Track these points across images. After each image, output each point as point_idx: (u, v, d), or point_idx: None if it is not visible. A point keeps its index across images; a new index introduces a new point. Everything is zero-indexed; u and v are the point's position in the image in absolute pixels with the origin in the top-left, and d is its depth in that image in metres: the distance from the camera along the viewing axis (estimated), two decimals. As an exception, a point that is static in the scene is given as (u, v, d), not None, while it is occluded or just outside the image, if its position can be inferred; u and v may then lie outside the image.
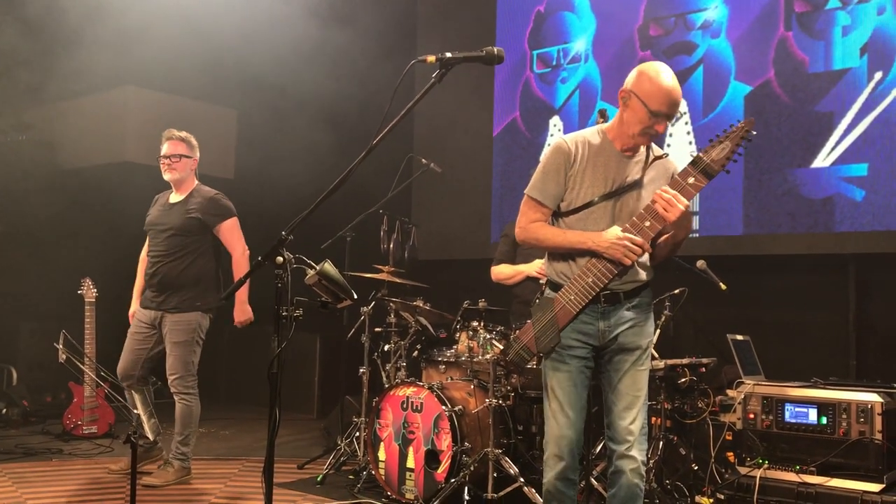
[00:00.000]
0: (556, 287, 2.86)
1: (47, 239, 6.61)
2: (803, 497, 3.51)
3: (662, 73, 2.75)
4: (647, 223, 2.68)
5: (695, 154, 2.71)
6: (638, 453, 2.83)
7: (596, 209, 2.79)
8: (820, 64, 5.09)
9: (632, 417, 2.83)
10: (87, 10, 5.69)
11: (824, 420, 3.61)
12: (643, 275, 2.88)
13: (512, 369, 4.06)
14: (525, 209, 2.91)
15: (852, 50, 4.96)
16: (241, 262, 4.55)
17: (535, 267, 4.62)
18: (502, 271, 4.81)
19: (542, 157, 2.93)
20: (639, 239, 2.69)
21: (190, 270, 4.56)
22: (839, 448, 3.54)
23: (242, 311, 4.57)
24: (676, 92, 2.75)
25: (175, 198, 4.68)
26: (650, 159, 2.86)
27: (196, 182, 4.72)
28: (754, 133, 2.63)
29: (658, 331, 4.30)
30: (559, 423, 2.87)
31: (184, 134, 4.64)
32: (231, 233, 4.60)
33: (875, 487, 3.42)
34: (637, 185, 2.80)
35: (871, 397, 3.55)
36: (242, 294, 4.54)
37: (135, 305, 4.73)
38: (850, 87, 4.94)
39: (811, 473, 3.59)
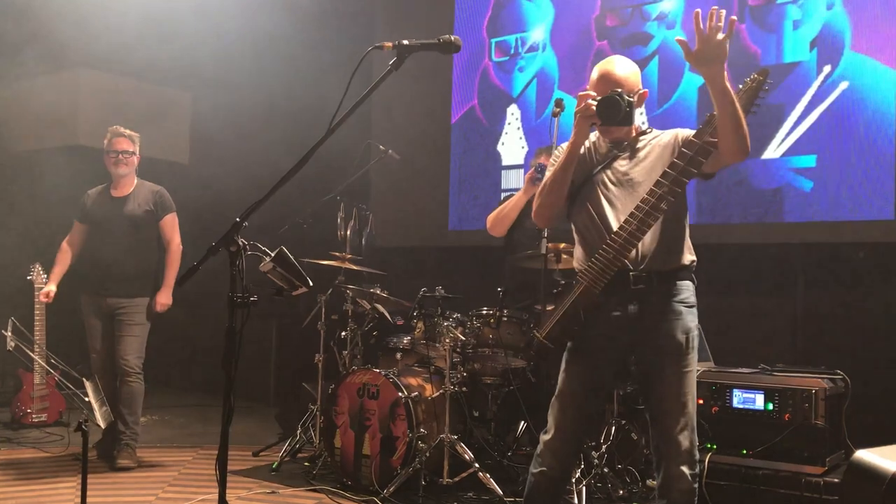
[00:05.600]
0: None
1: (-5, 223, 6.46)
2: (749, 479, 3.61)
3: (600, 62, 2.87)
4: None
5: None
6: (688, 468, 2.65)
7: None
8: (771, 56, 5.18)
9: (678, 428, 2.66)
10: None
11: (770, 406, 3.71)
12: (680, 257, 2.76)
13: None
14: None
15: (802, 43, 5.06)
16: (176, 253, 4.88)
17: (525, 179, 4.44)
18: (494, 213, 4.61)
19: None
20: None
21: (149, 259, 4.87)
22: (784, 432, 3.65)
23: (169, 294, 4.82)
24: (605, 68, 2.82)
25: (119, 192, 4.88)
26: (636, 137, 2.86)
27: (136, 177, 4.95)
28: (770, 82, 2.59)
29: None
30: (559, 418, 2.77)
31: (129, 132, 4.88)
32: (172, 226, 4.93)
33: (817, 469, 3.53)
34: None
35: (815, 383, 3.66)
36: (171, 279, 4.83)
37: (52, 286, 4.85)
38: (800, 79, 5.05)
39: (757, 457, 3.68)
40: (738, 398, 3.83)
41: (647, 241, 2.71)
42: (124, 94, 7.27)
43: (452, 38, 2.48)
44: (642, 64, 5.61)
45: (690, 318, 2.75)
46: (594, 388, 2.81)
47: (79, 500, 2.97)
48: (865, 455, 1.84)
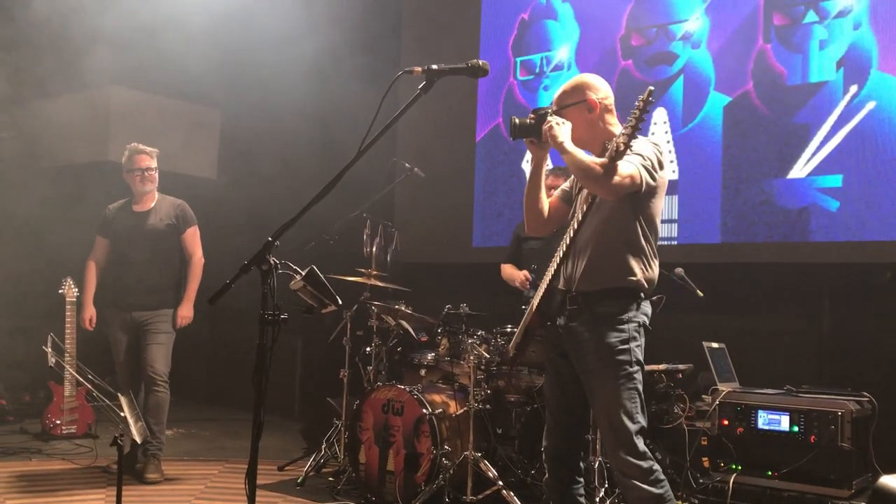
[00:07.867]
0: None
1: (28, 238, 6.57)
2: (774, 502, 3.59)
3: None
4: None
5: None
6: (629, 477, 2.70)
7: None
8: (797, 76, 5.18)
9: (609, 441, 2.76)
10: (72, 9, 5.70)
11: (796, 427, 3.69)
12: (613, 277, 2.74)
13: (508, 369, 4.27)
14: None
15: (829, 63, 5.05)
16: (198, 267, 4.94)
17: (518, 278, 4.68)
18: (505, 271, 4.92)
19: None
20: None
21: (172, 272, 4.94)
22: (810, 454, 3.62)
23: (190, 307, 4.89)
24: None
25: (141, 207, 4.97)
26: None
27: (157, 192, 5.04)
28: (652, 101, 2.59)
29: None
30: (545, 427, 2.97)
31: (149, 148, 4.96)
32: (194, 239, 5.00)
33: (844, 493, 3.51)
34: None
35: (842, 405, 3.64)
36: (193, 293, 4.91)
37: (91, 310, 4.97)
38: (826, 99, 5.04)
39: (783, 479, 3.66)
40: (764, 419, 3.82)
41: (578, 263, 2.81)
42: (155, 111, 7.39)
43: (480, 62, 2.52)
44: (667, 83, 5.63)
45: (614, 336, 2.72)
46: (561, 394, 2.93)
47: (109, 512, 3.02)
48: (891, 481, 1.84)
